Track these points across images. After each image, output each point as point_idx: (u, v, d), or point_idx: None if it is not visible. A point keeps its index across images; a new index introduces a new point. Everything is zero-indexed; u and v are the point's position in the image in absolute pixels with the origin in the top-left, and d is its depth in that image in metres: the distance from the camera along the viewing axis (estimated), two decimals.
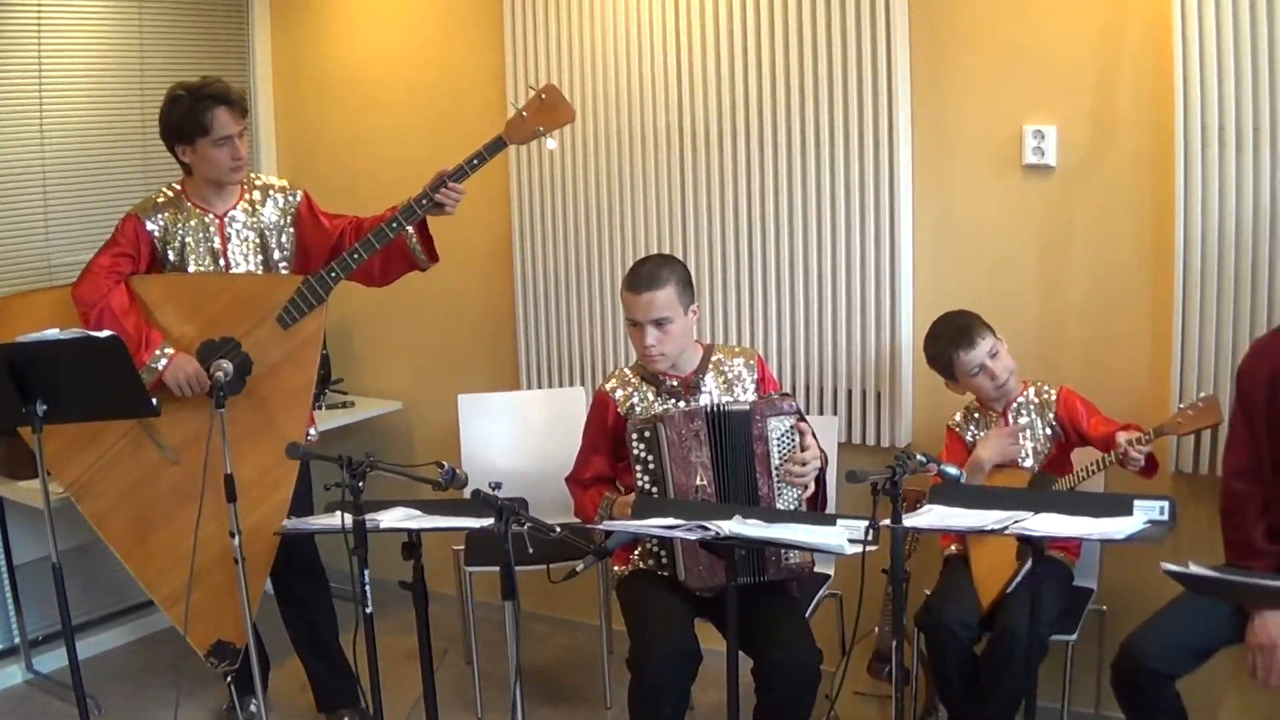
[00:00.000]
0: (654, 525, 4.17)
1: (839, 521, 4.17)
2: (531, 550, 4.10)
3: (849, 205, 5.70)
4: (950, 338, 5.16)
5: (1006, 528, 3.93)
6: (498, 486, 4.12)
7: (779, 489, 4.85)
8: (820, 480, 4.99)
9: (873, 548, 4.00)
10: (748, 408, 4.85)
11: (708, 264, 6.00)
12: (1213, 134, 4.99)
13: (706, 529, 4.00)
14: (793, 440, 4.88)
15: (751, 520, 4.08)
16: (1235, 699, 4.57)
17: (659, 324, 4.93)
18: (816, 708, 4.74)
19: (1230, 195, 5.00)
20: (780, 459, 4.84)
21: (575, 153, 6.34)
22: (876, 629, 5.16)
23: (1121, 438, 4.88)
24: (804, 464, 4.85)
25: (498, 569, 4.14)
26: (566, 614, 6.70)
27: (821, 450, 4.93)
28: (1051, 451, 5.18)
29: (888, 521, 4.05)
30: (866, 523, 3.98)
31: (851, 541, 3.95)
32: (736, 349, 5.24)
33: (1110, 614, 5.22)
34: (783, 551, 4.78)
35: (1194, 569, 3.66)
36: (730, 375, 5.11)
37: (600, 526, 4.64)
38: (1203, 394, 4.91)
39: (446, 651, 6.25)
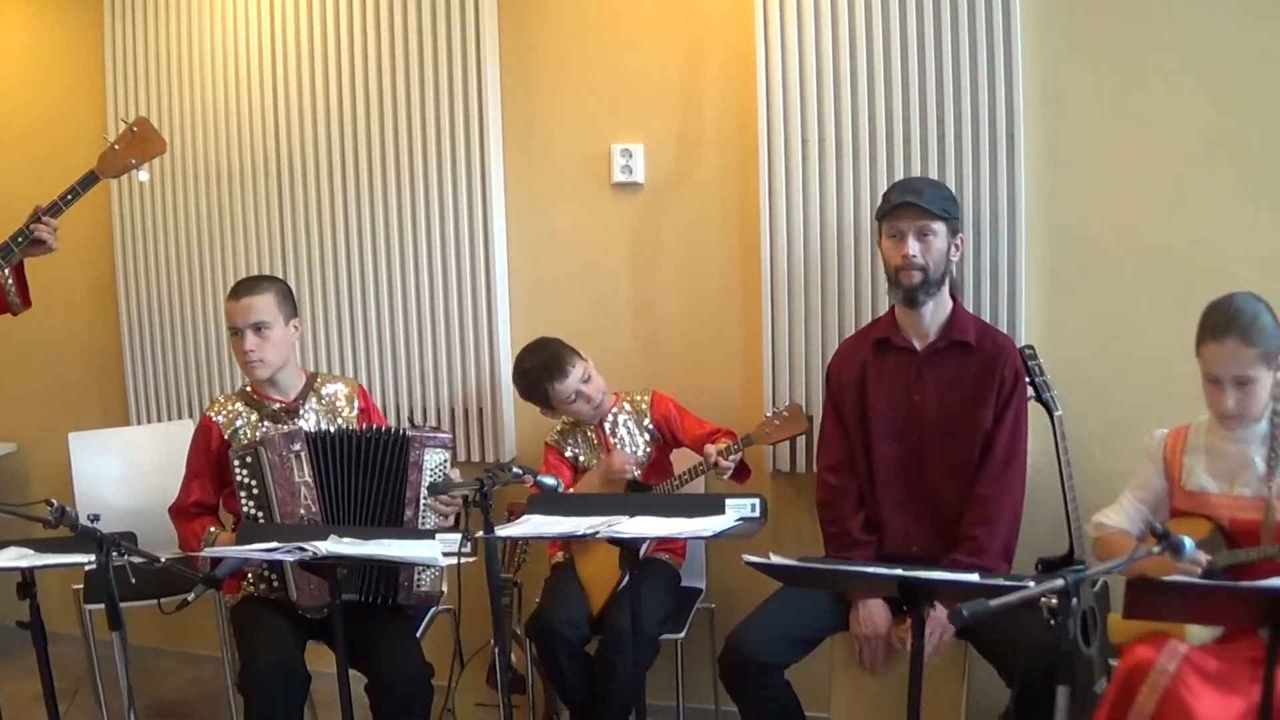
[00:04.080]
0: (254, 550, 4.17)
1: (438, 535, 4.22)
2: (134, 580, 4.04)
3: (444, 229, 5.80)
4: (541, 369, 5.22)
5: (598, 532, 4.02)
6: (96, 519, 4.06)
7: (424, 517, 4.88)
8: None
9: (471, 559, 4.07)
10: (410, 435, 4.87)
11: (309, 291, 6.02)
12: (795, 146, 5.22)
13: (304, 550, 4.03)
14: (444, 473, 4.91)
15: (346, 539, 4.11)
16: (845, 684, 4.70)
17: (258, 330, 4.95)
18: None
19: (814, 203, 5.23)
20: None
21: (176, 186, 6.28)
22: (492, 640, 5.20)
23: (710, 449, 5.03)
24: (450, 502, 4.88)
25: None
26: (191, 647, 6.59)
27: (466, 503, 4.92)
28: (652, 455, 5.30)
29: (505, 533, 4.15)
30: (461, 535, 4.04)
31: (446, 554, 4.01)
32: (339, 377, 5.30)
33: (720, 611, 5.37)
34: (415, 579, 4.82)
35: (775, 559, 3.76)
36: (332, 401, 5.14)
37: (202, 553, 4.63)
38: (787, 403, 5.08)
39: (76, 692, 6.10)
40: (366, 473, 4.85)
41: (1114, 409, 5.07)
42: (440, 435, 4.94)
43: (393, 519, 4.84)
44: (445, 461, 4.92)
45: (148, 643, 6.55)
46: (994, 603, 3.13)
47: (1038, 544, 4.94)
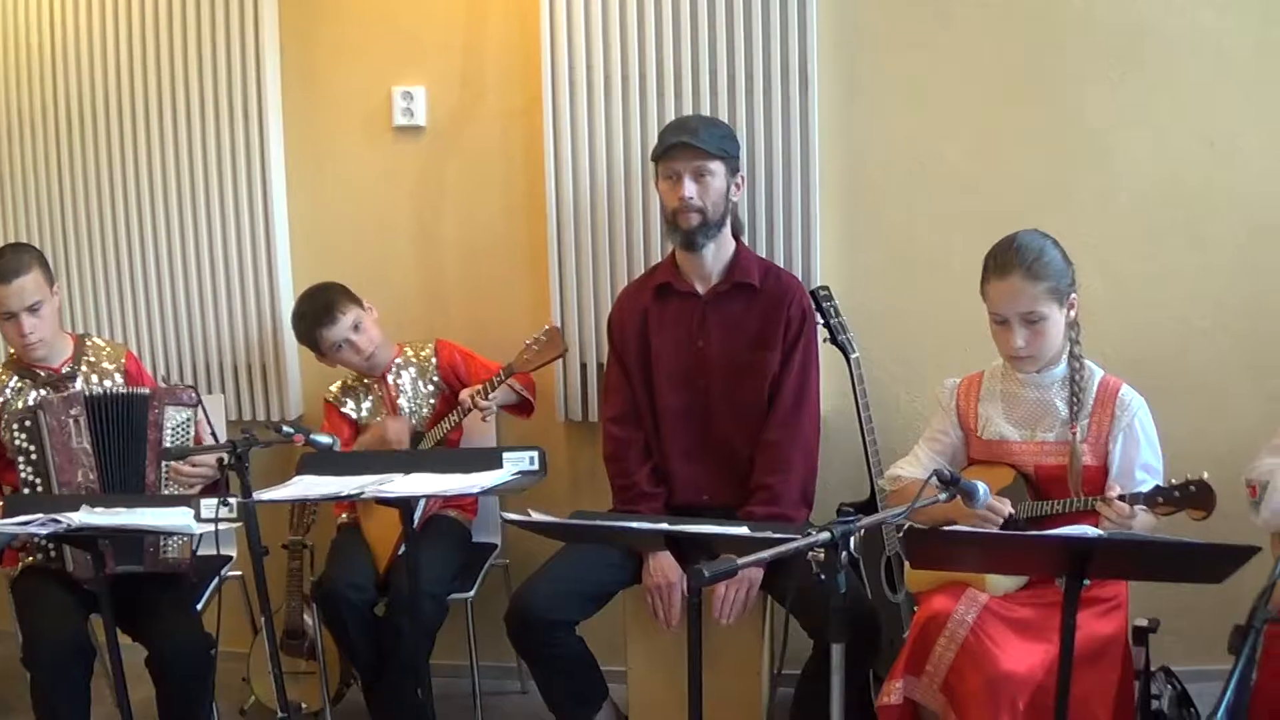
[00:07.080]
0: (10, 523, 4.01)
1: (202, 502, 4.07)
2: None
3: (221, 181, 5.63)
4: (313, 316, 5.12)
5: (363, 492, 3.90)
6: None
7: (165, 481, 4.77)
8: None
9: (236, 524, 3.96)
10: (145, 393, 4.77)
11: (88, 251, 5.81)
12: (581, 85, 5.16)
13: (58, 521, 3.89)
14: (188, 433, 4.80)
15: (99, 509, 3.98)
16: (640, 638, 4.62)
17: (33, 310, 4.76)
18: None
19: (600, 144, 5.18)
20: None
21: None
22: (286, 605, 5.10)
23: (465, 394, 4.98)
24: (194, 466, 4.73)
25: None
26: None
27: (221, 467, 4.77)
28: (437, 407, 5.21)
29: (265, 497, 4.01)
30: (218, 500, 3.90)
31: (203, 520, 3.87)
32: (106, 343, 5.14)
33: (515, 568, 5.27)
34: (161, 545, 4.67)
35: (536, 516, 3.64)
36: (102, 366, 4.98)
37: None
38: (545, 327, 4.97)
39: None
40: (121, 436, 4.72)
41: (918, 351, 5.08)
42: (182, 393, 4.82)
43: (137, 484, 4.71)
44: (188, 421, 4.81)
45: None
46: (741, 561, 3.00)
47: (841, 489, 4.95)
